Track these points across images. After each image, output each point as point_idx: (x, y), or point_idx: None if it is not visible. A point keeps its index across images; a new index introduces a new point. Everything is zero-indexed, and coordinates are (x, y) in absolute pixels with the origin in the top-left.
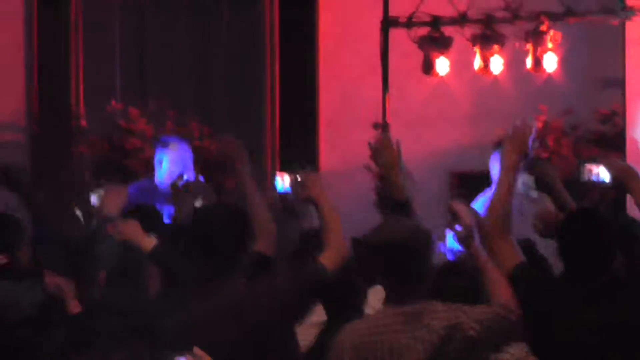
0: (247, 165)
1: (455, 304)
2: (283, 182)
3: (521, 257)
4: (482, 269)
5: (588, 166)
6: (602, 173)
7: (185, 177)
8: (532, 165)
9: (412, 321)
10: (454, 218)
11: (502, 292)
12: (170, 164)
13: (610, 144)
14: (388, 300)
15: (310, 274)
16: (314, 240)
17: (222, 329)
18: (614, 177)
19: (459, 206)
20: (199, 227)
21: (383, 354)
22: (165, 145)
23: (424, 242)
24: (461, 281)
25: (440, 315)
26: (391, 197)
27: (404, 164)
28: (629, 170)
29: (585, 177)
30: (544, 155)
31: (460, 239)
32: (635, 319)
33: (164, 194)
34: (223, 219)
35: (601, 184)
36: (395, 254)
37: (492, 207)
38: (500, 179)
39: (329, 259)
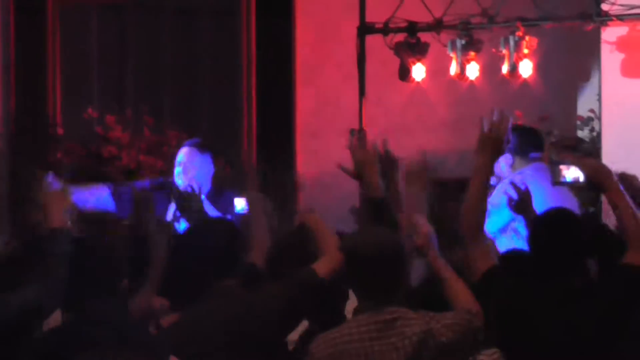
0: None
1: (426, 312)
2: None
3: (494, 260)
4: (442, 277)
5: (561, 167)
6: (576, 173)
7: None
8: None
9: (386, 329)
10: (412, 228)
11: (463, 298)
12: (183, 170)
13: (587, 149)
14: (361, 308)
15: (303, 281)
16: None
17: (216, 338)
18: (588, 177)
19: (417, 216)
20: (194, 239)
21: None
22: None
23: (397, 251)
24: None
25: (412, 322)
26: (368, 197)
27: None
28: (603, 170)
29: (561, 177)
30: None
31: (418, 248)
32: (606, 321)
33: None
34: (217, 233)
35: (576, 183)
36: (367, 264)
37: (464, 207)
38: (473, 179)
39: (322, 266)
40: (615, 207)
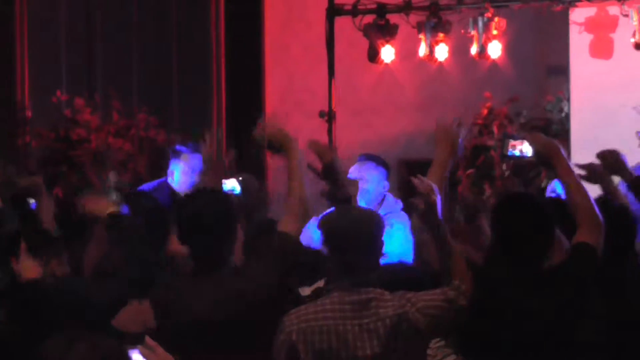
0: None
1: (403, 292)
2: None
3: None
4: (442, 242)
5: (512, 141)
6: (525, 148)
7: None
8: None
9: (360, 309)
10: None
11: (458, 268)
12: (182, 174)
13: (555, 130)
14: (336, 287)
15: (282, 247)
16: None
17: (213, 317)
18: (537, 152)
19: (420, 181)
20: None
21: (330, 340)
22: (177, 155)
23: (374, 230)
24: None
25: (387, 304)
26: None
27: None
28: (552, 145)
29: (509, 151)
30: (490, 142)
31: (421, 213)
32: (572, 305)
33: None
34: (212, 205)
35: (524, 158)
36: (345, 242)
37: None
38: (431, 173)
39: (289, 224)
40: (563, 184)
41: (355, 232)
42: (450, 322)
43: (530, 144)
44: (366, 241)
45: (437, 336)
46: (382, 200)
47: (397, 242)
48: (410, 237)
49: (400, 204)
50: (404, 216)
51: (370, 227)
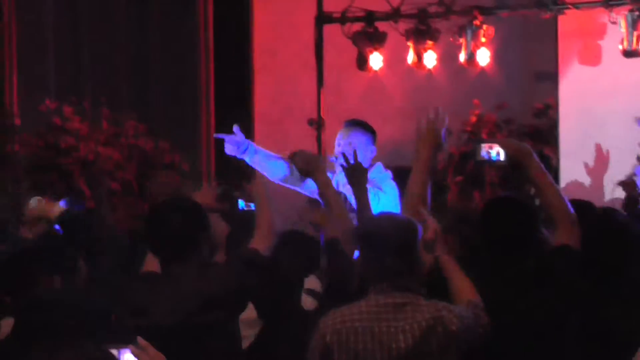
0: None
1: (437, 301)
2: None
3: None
4: (449, 273)
5: (485, 145)
6: (497, 152)
7: None
8: None
9: (395, 312)
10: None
11: (470, 295)
12: None
13: (544, 137)
14: (373, 290)
15: (249, 261)
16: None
17: (166, 320)
18: (509, 156)
19: (425, 212)
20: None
21: (365, 340)
22: None
23: (413, 235)
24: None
25: (423, 308)
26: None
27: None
28: (524, 149)
29: (482, 156)
30: None
31: (426, 244)
32: (559, 303)
33: None
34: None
35: (496, 162)
36: (384, 246)
37: (406, 202)
38: (414, 174)
39: (259, 242)
40: (537, 187)
41: (395, 238)
42: (477, 335)
43: (502, 147)
44: (404, 247)
45: (470, 346)
46: (371, 166)
47: (385, 207)
48: (398, 206)
49: (390, 174)
50: (394, 185)
51: (408, 234)
